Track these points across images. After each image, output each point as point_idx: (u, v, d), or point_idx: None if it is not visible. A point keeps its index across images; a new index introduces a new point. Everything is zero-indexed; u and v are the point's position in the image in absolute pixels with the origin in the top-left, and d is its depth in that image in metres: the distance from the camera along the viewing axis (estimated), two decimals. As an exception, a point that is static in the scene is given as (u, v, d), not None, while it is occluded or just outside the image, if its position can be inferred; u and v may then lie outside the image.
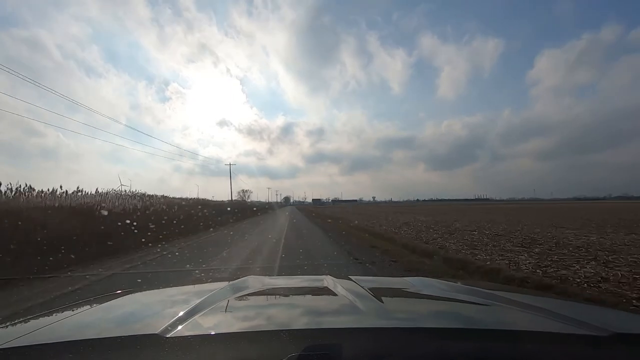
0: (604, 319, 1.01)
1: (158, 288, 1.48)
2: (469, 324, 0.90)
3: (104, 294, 1.28)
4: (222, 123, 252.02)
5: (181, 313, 0.86)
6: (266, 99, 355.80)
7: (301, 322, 0.90)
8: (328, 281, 1.32)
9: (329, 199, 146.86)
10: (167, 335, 0.70)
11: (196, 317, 0.85)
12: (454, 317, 1.01)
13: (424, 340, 0.73)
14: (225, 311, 1.01)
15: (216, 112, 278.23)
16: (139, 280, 6.04)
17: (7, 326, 0.93)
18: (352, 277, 1.38)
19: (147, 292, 1.43)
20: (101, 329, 0.91)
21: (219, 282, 1.43)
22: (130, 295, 1.28)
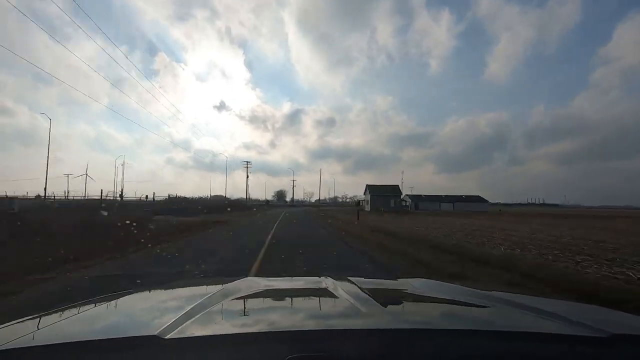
0: (604, 320, 1.02)
1: (157, 289, 1.48)
2: (468, 325, 0.90)
3: (101, 296, 1.29)
4: (220, 107, 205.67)
5: (180, 314, 0.86)
6: (273, 76, 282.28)
7: (300, 324, 0.90)
8: (327, 282, 1.33)
9: (325, 199, 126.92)
10: (166, 337, 0.70)
11: (195, 318, 0.85)
12: (454, 318, 1.01)
13: (424, 341, 0.73)
14: (224, 312, 1.01)
15: (213, 92, 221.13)
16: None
17: (5, 327, 0.92)
18: (352, 279, 1.38)
19: (146, 293, 1.44)
20: (99, 331, 0.91)
21: (217, 283, 1.43)
22: (128, 296, 1.29)
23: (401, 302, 1.24)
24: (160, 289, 1.49)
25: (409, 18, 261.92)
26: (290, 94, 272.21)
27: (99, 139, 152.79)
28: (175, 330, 0.74)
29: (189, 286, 1.64)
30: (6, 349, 0.70)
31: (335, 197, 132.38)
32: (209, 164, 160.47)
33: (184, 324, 0.79)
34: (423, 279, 1.58)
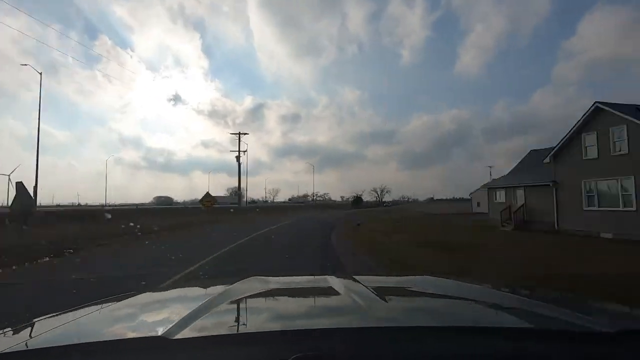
0: (605, 315, 1.03)
1: (162, 291, 1.47)
2: (473, 322, 0.90)
3: (107, 297, 1.30)
4: (175, 100, 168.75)
5: (185, 314, 0.86)
6: (233, 65, 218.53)
7: (306, 322, 0.91)
8: (332, 281, 1.33)
9: (294, 197, 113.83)
10: (172, 337, 0.71)
11: (200, 318, 0.85)
12: (459, 315, 1.01)
13: (429, 339, 0.73)
14: (230, 312, 1.01)
15: (166, 84, 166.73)
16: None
17: (12, 330, 0.93)
18: (356, 277, 1.38)
19: (151, 294, 1.44)
20: (105, 332, 0.92)
21: (222, 283, 1.43)
22: (133, 297, 1.29)
23: (406, 300, 1.25)
24: (166, 289, 1.47)
25: (382, 2, 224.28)
26: (252, 87, 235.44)
27: (32, 136, 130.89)
28: (181, 331, 0.74)
29: (194, 287, 1.62)
30: (14, 351, 0.71)
31: (305, 196, 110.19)
32: (163, 163, 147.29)
33: (190, 325, 0.79)
34: (428, 276, 1.59)
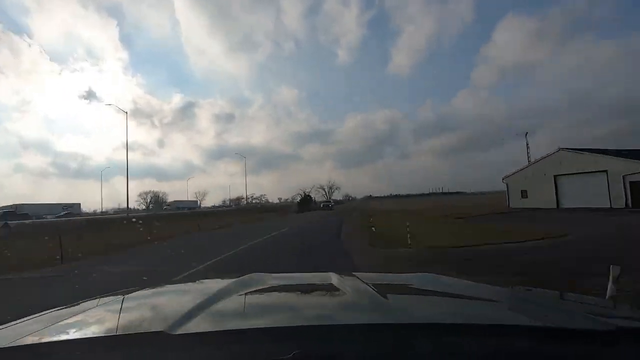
0: (606, 314, 1.01)
1: (164, 286, 1.48)
2: (475, 320, 0.90)
3: (109, 293, 1.31)
4: (89, 97, 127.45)
5: (187, 310, 0.86)
6: (158, 58, 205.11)
7: (306, 319, 0.91)
8: (332, 278, 1.32)
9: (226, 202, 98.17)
10: (173, 333, 0.71)
11: (202, 314, 0.86)
12: (460, 313, 1.00)
13: (430, 336, 0.73)
14: (231, 308, 1.02)
15: (77, 78, 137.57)
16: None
17: (14, 324, 0.94)
18: (357, 274, 1.40)
19: (152, 289, 1.43)
20: (107, 327, 0.91)
21: (224, 279, 1.45)
22: (135, 293, 1.30)
23: (406, 297, 1.23)
24: (167, 285, 1.50)
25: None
26: (181, 84, 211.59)
27: None
28: (182, 327, 0.74)
29: (195, 283, 1.65)
30: (15, 346, 0.71)
31: (239, 199, 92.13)
32: (77, 169, 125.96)
33: (191, 320, 0.80)
34: (429, 274, 1.55)
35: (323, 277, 1.42)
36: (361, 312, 0.92)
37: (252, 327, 0.81)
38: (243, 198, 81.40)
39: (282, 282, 1.46)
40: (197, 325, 0.77)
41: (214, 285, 1.41)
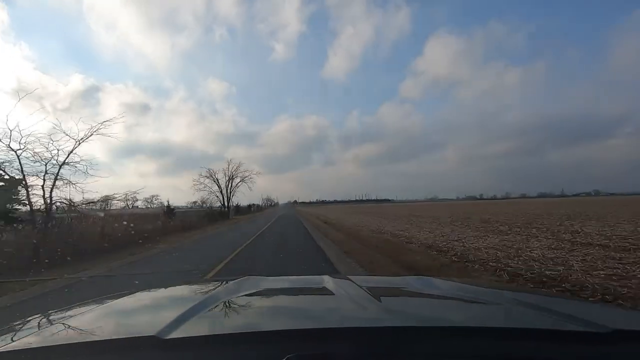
0: (602, 316, 1.01)
1: (157, 290, 1.48)
2: (468, 322, 0.89)
3: (101, 297, 1.29)
4: None
5: (179, 314, 0.85)
6: (52, 26, 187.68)
7: (300, 322, 0.91)
8: (327, 281, 1.33)
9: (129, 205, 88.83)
10: (165, 337, 0.70)
11: (194, 318, 0.85)
12: (453, 315, 1.01)
13: (423, 339, 0.73)
14: (224, 312, 1.01)
15: None
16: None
17: (6, 328, 0.93)
18: (351, 277, 1.39)
19: (145, 293, 1.42)
20: (98, 331, 0.90)
21: (217, 283, 1.45)
22: (127, 296, 1.28)
23: (400, 300, 1.23)
24: (160, 289, 1.49)
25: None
26: (82, 62, 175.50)
27: None
28: (175, 331, 0.74)
29: (189, 286, 1.64)
30: (6, 351, 0.70)
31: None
32: None
33: (184, 324, 0.79)
34: (422, 277, 1.56)
35: (317, 280, 1.42)
36: (355, 315, 0.91)
37: (245, 330, 0.81)
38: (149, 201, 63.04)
39: (276, 285, 1.45)
40: (190, 330, 0.76)
41: (207, 288, 1.39)
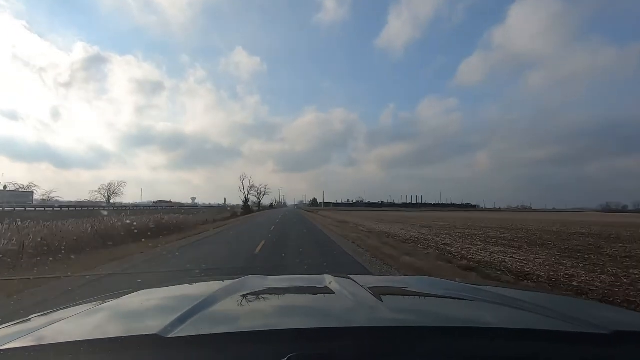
0: (603, 316, 1.02)
1: (158, 288, 1.47)
2: (469, 322, 0.90)
3: (103, 295, 1.29)
4: None
5: (181, 313, 0.85)
6: None
7: (301, 322, 0.91)
8: (328, 280, 1.33)
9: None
10: (167, 336, 0.70)
11: (196, 316, 0.85)
12: (454, 315, 1.02)
13: (424, 339, 0.73)
14: (226, 311, 1.01)
15: None
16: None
17: (8, 326, 0.93)
18: (352, 277, 1.39)
19: (147, 291, 1.41)
20: (100, 330, 0.91)
21: (219, 282, 1.44)
22: (129, 295, 1.28)
23: (402, 300, 1.25)
24: (162, 287, 1.49)
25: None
26: (86, 27, 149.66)
27: None
28: (177, 329, 0.74)
29: (191, 284, 1.67)
30: (8, 348, 0.70)
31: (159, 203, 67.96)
32: None
33: (185, 323, 0.79)
34: (424, 277, 1.60)
35: (319, 280, 1.41)
36: (356, 315, 0.91)
37: (247, 330, 0.81)
38: (164, 201, 58.61)
39: (277, 285, 1.45)
40: (192, 328, 0.76)
41: (209, 287, 1.38)
